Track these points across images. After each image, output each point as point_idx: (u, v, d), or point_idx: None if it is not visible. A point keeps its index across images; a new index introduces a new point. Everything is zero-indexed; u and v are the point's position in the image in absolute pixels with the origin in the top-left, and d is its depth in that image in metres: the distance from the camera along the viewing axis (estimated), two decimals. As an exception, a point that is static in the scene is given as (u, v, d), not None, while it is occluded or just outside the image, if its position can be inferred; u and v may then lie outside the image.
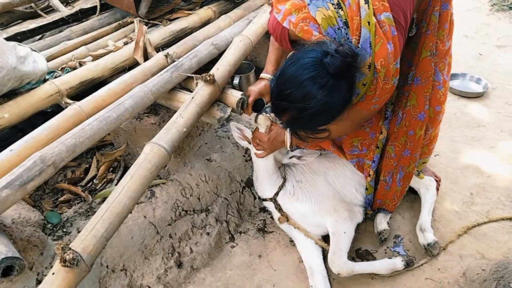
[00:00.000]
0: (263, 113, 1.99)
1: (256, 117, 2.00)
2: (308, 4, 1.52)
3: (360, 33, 1.50)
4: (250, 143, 2.15)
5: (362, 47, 1.50)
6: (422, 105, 1.87)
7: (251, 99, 1.96)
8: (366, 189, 2.15)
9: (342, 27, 1.52)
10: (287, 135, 1.97)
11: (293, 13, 1.55)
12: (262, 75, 2.01)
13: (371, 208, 2.20)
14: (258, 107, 2.01)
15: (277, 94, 1.53)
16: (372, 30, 1.48)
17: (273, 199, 2.13)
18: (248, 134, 2.15)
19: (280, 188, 2.12)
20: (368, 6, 1.49)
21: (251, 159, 2.26)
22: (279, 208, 2.13)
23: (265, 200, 2.18)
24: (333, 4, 1.51)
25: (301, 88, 1.43)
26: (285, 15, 1.57)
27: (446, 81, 1.96)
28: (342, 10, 1.51)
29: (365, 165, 2.08)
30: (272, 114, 2.04)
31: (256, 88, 1.96)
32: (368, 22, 1.48)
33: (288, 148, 2.02)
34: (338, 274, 1.93)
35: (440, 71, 1.90)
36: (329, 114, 1.50)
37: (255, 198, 2.39)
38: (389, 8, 1.51)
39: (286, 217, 2.12)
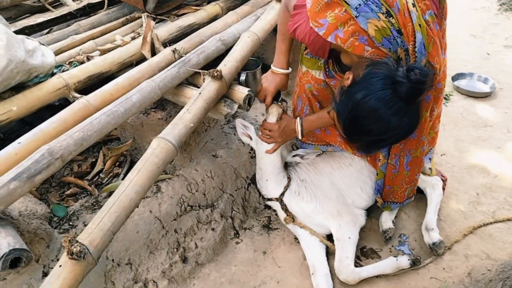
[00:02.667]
0: (275, 102, 2.00)
1: (269, 106, 2.00)
2: (357, 17, 1.45)
3: (415, 38, 1.51)
4: (251, 139, 2.15)
5: (418, 51, 1.52)
6: None
7: (269, 99, 1.95)
8: (377, 174, 2.12)
9: (397, 36, 1.49)
10: (298, 124, 1.98)
11: (339, 27, 1.48)
12: (276, 69, 1.98)
13: (381, 196, 2.15)
14: (274, 99, 2.02)
15: (355, 128, 1.50)
16: (424, 32, 1.52)
17: (279, 199, 2.12)
18: (252, 132, 2.15)
19: (286, 188, 2.11)
20: (416, 9, 1.51)
21: (256, 156, 2.25)
22: (285, 209, 2.12)
23: (270, 200, 2.16)
24: (383, 13, 1.46)
25: (385, 123, 1.43)
26: (330, 30, 1.50)
27: (444, 59, 1.95)
28: (392, 18, 1.47)
29: (378, 154, 2.06)
30: (285, 103, 2.04)
31: (272, 87, 1.95)
32: (419, 25, 1.50)
33: (300, 137, 2.03)
34: (346, 282, 1.92)
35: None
36: (408, 135, 1.55)
37: (260, 194, 2.39)
38: (430, 6, 1.54)
39: (292, 218, 2.11)
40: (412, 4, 1.52)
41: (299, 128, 1.99)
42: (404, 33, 1.50)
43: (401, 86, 1.38)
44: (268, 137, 2.03)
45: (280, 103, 2.02)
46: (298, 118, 2.02)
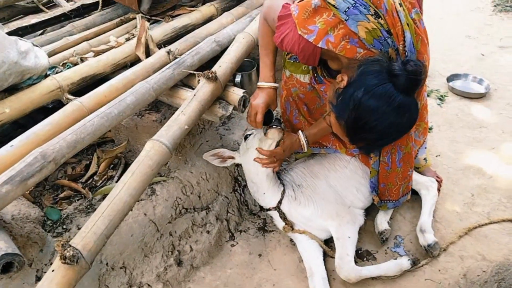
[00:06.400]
0: (273, 126, 1.94)
1: (266, 132, 1.95)
2: (346, 20, 1.45)
3: (404, 37, 1.52)
4: (233, 158, 2.12)
5: (408, 50, 1.54)
6: None
7: (260, 116, 1.90)
8: (370, 172, 2.11)
9: (387, 37, 1.50)
10: (303, 139, 2.01)
11: (329, 31, 1.48)
12: (262, 84, 1.94)
13: (377, 194, 2.15)
14: (266, 118, 1.95)
15: (358, 128, 1.47)
16: (412, 30, 1.53)
17: (277, 208, 2.09)
18: (227, 152, 2.12)
19: (283, 195, 2.08)
20: (403, 8, 1.52)
21: (244, 170, 2.18)
22: (283, 217, 2.09)
23: (269, 210, 2.13)
24: (371, 15, 1.47)
25: (388, 119, 1.41)
26: (320, 35, 1.49)
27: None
28: (381, 18, 1.48)
29: None
30: (283, 124, 2.02)
31: (261, 102, 1.90)
32: (408, 24, 1.52)
33: (305, 150, 2.05)
34: (347, 280, 1.91)
35: None
36: (409, 129, 1.53)
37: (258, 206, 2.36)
38: (415, 4, 1.56)
39: (291, 226, 2.09)
40: (399, 3, 1.53)
41: (304, 143, 2.02)
42: (393, 33, 1.51)
43: (399, 79, 1.37)
44: (273, 161, 1.99)
45: (279, 126, 1.96)
46: (301, 132, 2.03)
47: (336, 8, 1.46)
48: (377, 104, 1.39)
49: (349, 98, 1.44)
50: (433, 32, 1.75)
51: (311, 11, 1.50)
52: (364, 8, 1.46)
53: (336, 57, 1.58)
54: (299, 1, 1.58)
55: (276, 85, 1.95)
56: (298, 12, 1.53)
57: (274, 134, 1.95)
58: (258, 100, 1.92)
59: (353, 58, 1.52)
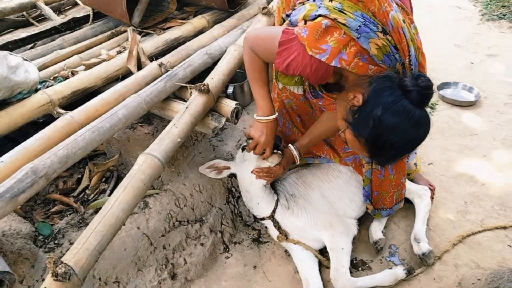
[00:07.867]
0: (273, 151, 1.95)
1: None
2: (358, 38, 1.47)
3: (409, 52, 1.58)
4: (229, 168, 2.12)
5: (413, 64, 1.60)
6: None
7: (269, 151, 1.91)
8: (363, 181, 2.12)
9: (395, 52, 1.54)
10: (295, 153, 2.03)
11: (342, 50, 1.48)
12: (264, 118, 1.86)
13: (371, 203, 2.15)
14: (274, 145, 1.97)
15: (379, 145, 1.49)
16: (415, 45, 1.60)
17: (271, 217, 2.08)
18: (222, 163, 2.13)
19: (276, 204, 2.08)
20: (406, 24, 1.59)
21: (238, 179, 2.18)
22: (278, 226, 2.09)
23: (263, 219, 2.13)
24: (380, 32, 1.50)
25: (407, 134, 1.46)
26: (333, 54, 1.48)
27: None
28: (388, 35, 1.52)
29: (362, 160, 2.08)
30: (282, 144, 2.04)
31: (271, 138, 1.90)
32: (411, 39, 1.58)
33: (298, 162, 2.07)
34: None
35: None
36: (423, 141, 1.55)
37: (252, 215, 2.36)
38: (413, 19, 1.63)
39: (285, 235, 2.09)
40: (403, 20, 1.58)
41: (297, 156, 2.04)
42: (400, 49, 1.55)
43: (413, 94, 1.42)
44: (270, 176, 2.02)
45: (278, 151, 1.98)
46: (292, 146, 2.04)
47: (347, 26, 1.47)
48: (397, 121, 1.43)
49: (367, 116, 1.47)
50: (422, 41, 1.77)
51: (322, 31, 1.49)
52: (374, 26, 1.49)
53: (338, 72, 1.59)
54: (304, 24, 1.57)
55: (276, 115, 1.90)
56: (308, 34, 1.51)
57: (273, 159, 1.97)
58: (267, 137, 1.89)
59: (363, 74, 1.53)
